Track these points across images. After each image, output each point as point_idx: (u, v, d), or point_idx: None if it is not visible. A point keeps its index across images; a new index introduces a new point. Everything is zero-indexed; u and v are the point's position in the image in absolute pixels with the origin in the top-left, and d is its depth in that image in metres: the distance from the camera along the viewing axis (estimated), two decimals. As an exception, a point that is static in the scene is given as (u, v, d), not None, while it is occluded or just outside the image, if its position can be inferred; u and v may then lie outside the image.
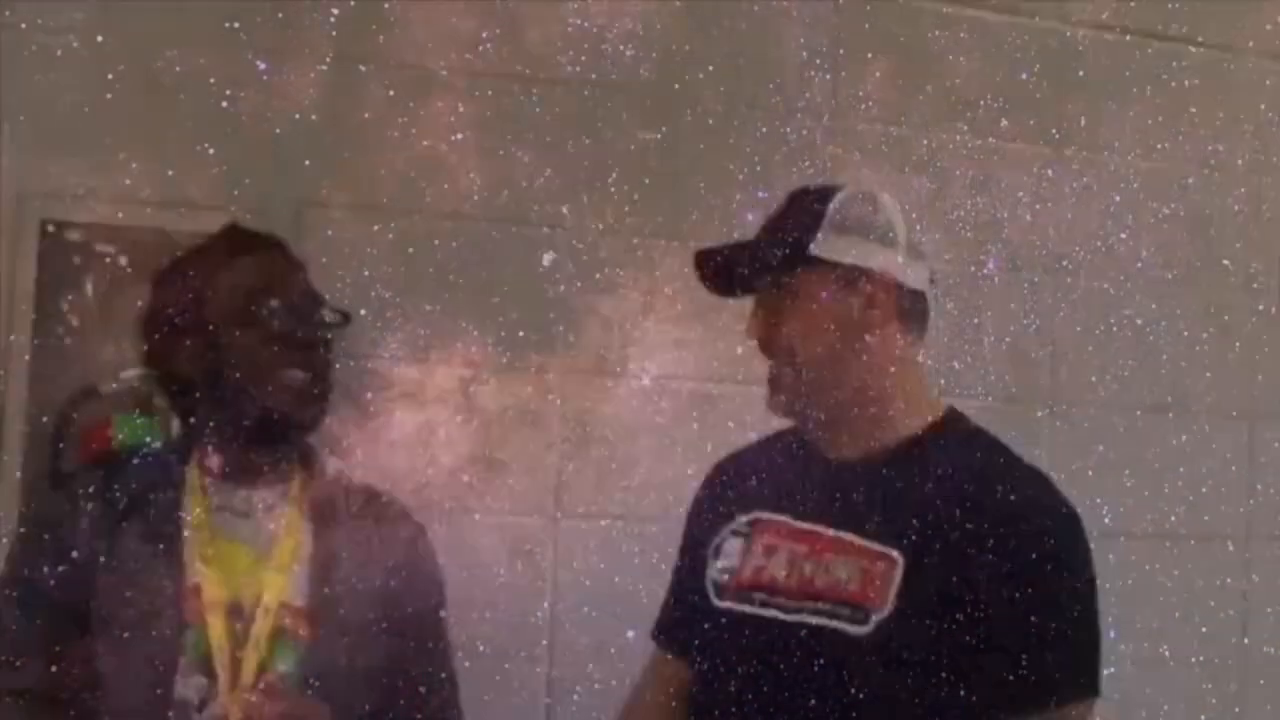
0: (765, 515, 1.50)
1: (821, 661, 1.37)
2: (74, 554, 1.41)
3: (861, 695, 1.34)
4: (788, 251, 1.45)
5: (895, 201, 1.50)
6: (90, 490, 1.46)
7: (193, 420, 1.53)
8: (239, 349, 1.47)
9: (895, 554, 1.37)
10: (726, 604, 1.48)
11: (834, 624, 1.37)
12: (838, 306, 1.44)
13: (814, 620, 1.39)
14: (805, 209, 1.48)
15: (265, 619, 1.45)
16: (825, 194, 1.48)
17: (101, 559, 1.41)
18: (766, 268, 1.47)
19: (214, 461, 1.50)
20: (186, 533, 1.45)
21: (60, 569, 1.41)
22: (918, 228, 1.51)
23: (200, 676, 1.40)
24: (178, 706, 1.39)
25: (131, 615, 1.39)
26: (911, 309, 1.48)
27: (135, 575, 1.41)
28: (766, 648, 1.41)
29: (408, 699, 1.55)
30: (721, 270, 1.53)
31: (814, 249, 1.45)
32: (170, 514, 1.46)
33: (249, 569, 1.47)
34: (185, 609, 1.42)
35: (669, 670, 1.61)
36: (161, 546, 1.43)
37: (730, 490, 1.58)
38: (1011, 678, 1.31)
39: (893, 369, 1.46)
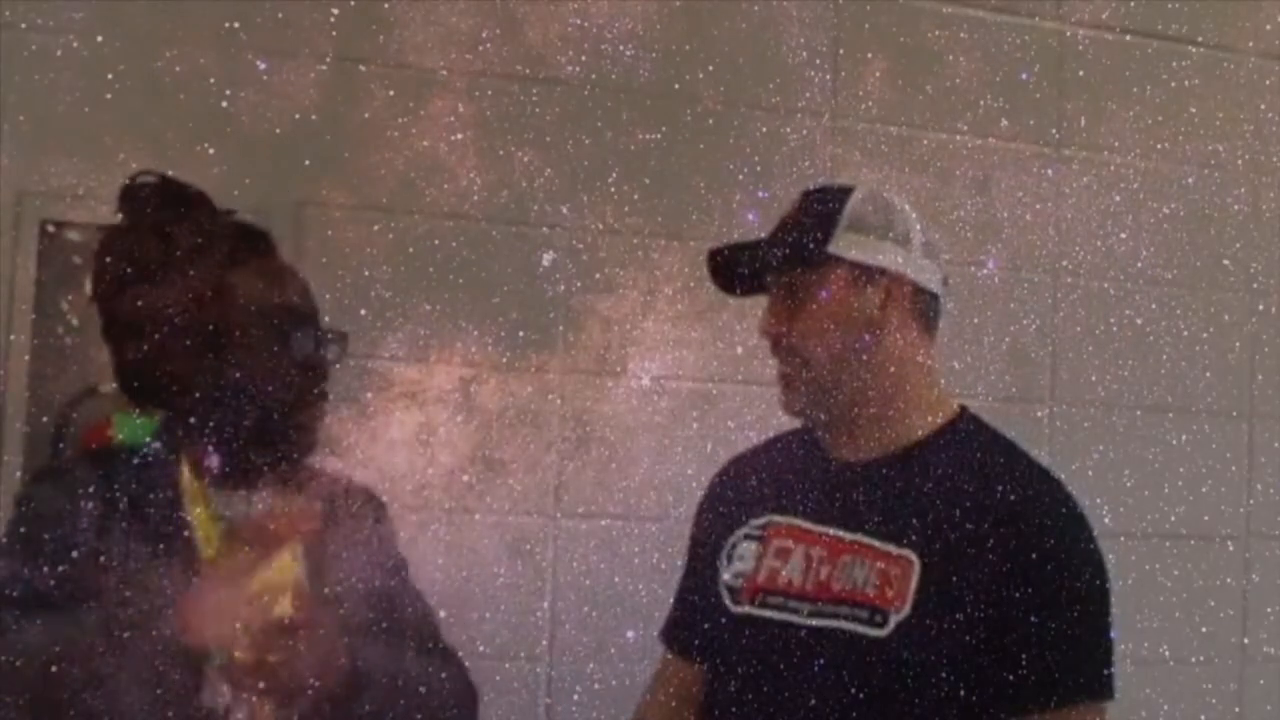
0: (778, 518, 1.49)
1: (841, 664, 1.36)
2: (59, 554, 1.37)
3: (882, 697, 1.34)
4: (806, 249, 1.45)
5: (908, 204, 1.50)
6: (79, 488, 1.42)
7: (190, 421, 1.48)
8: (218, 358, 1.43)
9: (912, 555, 1.36)
10: (741, 608, 1.47)
11: (853, 626, 1.37)
12: (854, 305, 1.44)
13: (832, 623, 1.39)
14: (821, 208, 1.48)
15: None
16: (841, 194, 1.48)
17: (99, 561, 1.37)
18: (783, 265, 1.46)
19: (209, 464, 1.46)
20: (193, 537, 1.41)
21: (45, 569, 1.37)
22: (925, 225, 1.51)
23: (226, 685, 1.37)
24: (205, 717, 1.37)
25: (147, 625, 1.34)
26: (925, 309, 1.48)
27: (149, 582, 1.37)
28: (784, 652, 1.40)
29: (417, 687, 1.54)
30: (734, 268, 1.52)
31: (832, 247, 1.45)
32: (174, 518, 1.43)
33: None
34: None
35: (680, 673, 1.60)
36: (174, 552, 1.40)
37: (740, 493, 1.57)
38: (1025, 678, 1.31)
39: (906, 369, 1.46)
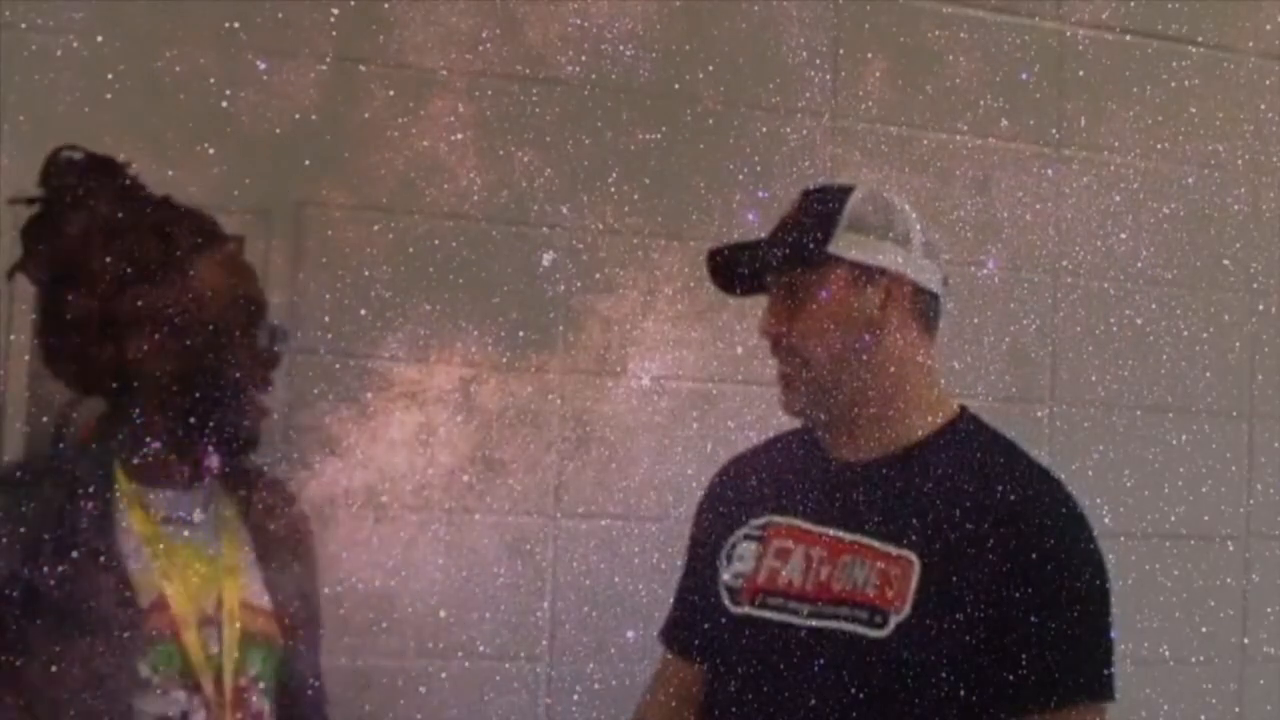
0: (778, 518, 1.49)
1: (841, 665, 1.36)
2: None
3: (881, 698, 1.34)
4: (806, 249, 1.45)
5: (908, 204, 1.50)
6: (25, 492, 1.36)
7: (127, 415, 1.43)
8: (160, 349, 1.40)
9: (912, 556, 1.36)
10: (741, 609, 1.47)
11: (852, 627, 1.37)
12: (854, 305, 1.44)
13: (832, 624, 1.39)
14: (821, 208, 1.47)
15: (232, 623, 1.40)
16: (841, 193, 1.48)
17: (39, 571, 1.32)
18: (783, 265, 1.46)
19: (144, 466, 1.42)
20: (135, 544, 1.38)
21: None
22: (925, 225, 1.51)
23: (180, 691, 1.36)
24: None
25: (88, 632, 1.31)
26: (925, 309, 1.48)
27: (89, 592, 1.33)
28: (783, 652, 1.41)
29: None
30: (734, 268, 1.52)
31: (832, 247, 1.44)
32: (112, 524, 1.37)
33: (207, 574, 1.41)
34: (153, 624, 1.35)
35: (680, 673, 1.60)
36: (113, 561, 1.35)
37: (740, 493, 1.57)
38: (1025, 678, 1.31)
39: (906, 369, 1.46)
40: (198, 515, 1.45)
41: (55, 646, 1.30)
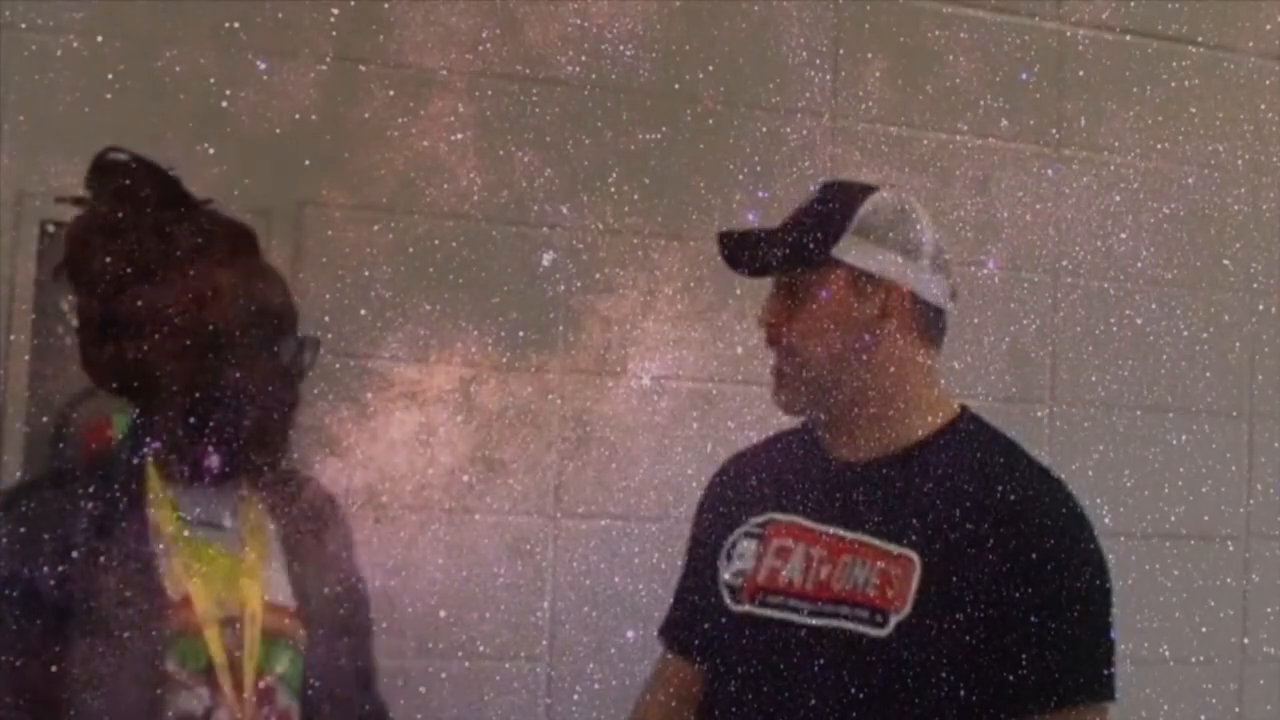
0: (779, 516, 1.49)
1: (841, 664, 1.36)
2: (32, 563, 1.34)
3: (882, 697, 1.34)
4: (807, 249, 1.44)
5: (925, 212, 1.49)
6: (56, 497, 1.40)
7: (161, 420, 1.45)
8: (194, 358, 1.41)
9: (913, 555, 1.36)
10: (741, 607, 1.47)
11: (853, 626, 1.37)
12: (852, 309, 1.43)
13: (832, 623, 1.38)
14: (833, 208, 1.46)
15: (254, 622, 1.41)
16: (857, 195, 1.46)
17: (71, 569, 1.34)
18: (784, 264, 1.46)
19: (174, 465, 1.44)
20: (162, 543, 1.40)
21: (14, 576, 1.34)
22: (941, 239, 1.50)
23: (204, 688, 1.37)
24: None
25: (116, 630, 1.34)
26: (926, 320, 1.47)
27: (116, 590, 1.35)
28: (783, 651, 1.40)
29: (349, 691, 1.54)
30: (743, 249, 1.51)
31: (836, 251, 1.44)
32: (143, 525, 1.40)
33: (230, 573, 1.43)
34: (178, 622, 1.37)
35: (679, 672, 1.60)
36: (140, 558, 1.38)
37: (740, 491, 1.57)
38: (1025, 678, 1.31)
39: (905, 370, 1.44)
40: (226, 517, 1.46)
41: (86, 643, 1.32)
